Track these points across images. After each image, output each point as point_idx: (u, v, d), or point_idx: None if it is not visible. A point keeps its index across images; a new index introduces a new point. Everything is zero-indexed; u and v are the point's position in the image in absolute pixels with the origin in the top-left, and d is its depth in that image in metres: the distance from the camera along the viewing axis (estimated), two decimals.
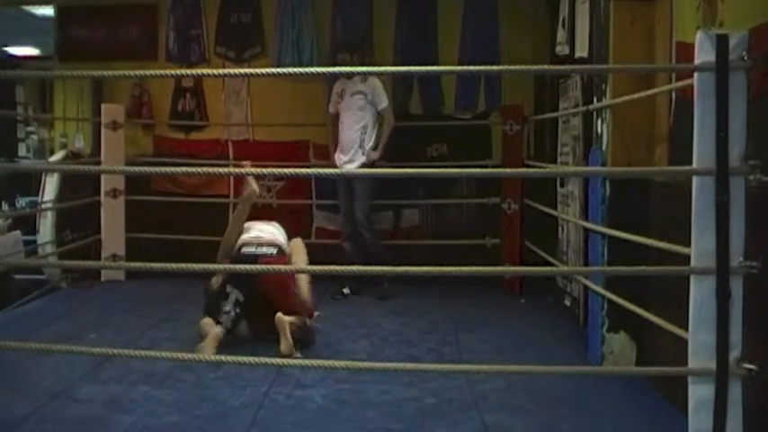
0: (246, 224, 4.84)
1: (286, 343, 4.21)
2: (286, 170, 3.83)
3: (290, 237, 5.04)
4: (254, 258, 4.52)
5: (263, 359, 3.87)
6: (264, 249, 4.63)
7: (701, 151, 2.48)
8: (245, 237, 4.70)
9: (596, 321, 4.15)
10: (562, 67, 5.41)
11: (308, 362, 3.95)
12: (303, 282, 4.69)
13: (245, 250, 4.60)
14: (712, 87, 2.45)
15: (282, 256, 4.69)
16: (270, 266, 4.40)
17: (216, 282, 4.77)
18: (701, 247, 2.50)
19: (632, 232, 3.65)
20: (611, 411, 3.46)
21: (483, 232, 6.50)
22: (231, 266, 4.54)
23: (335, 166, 5.83)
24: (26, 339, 4.18)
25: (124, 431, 3.20)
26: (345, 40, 6.37)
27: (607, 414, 3.43)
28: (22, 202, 9.48)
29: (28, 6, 8.30)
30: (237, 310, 4.44)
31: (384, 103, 5.81)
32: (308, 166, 6.60)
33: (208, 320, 4.44)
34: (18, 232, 7.42)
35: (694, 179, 2.52)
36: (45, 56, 10.29)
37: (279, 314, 4.32)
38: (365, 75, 5.83)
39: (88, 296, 5.95)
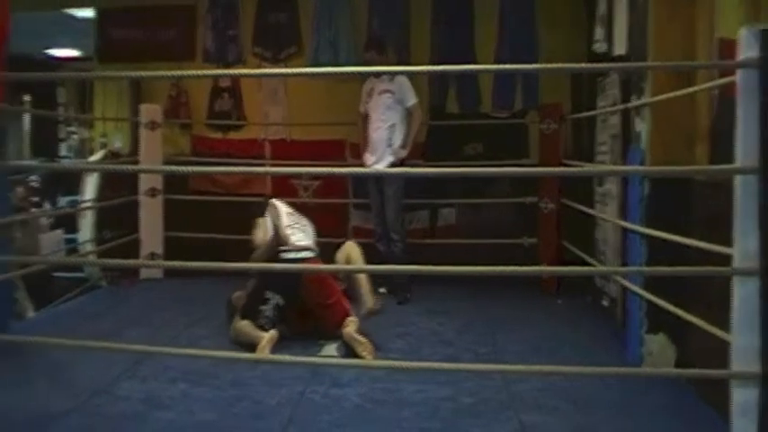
0: (285, 212, 4.88)
1: (365, 346, 4.24)
2: (321, 169, 3.83)
3: (326, 236, 5.06)
4: (295, 263, 4.58)
5: (299, 358, 3.90)
6: (304, 254, 4.67)
7: (744, 149, 2.44)
8: (286, 237, 4.71)
9: (635, 322, 4.09)
10: (600, 65, 5.36)
11: (344, 361, 3.96)
12: (364, 280, 4.72)
13: (285, 255, 4.63)
14: (756, 84, 2.41)
15: (319, 259, 4.74)
16: (310, 267, 4.46)
17: (238, 298, 4.83)
18: (743, 248, 2.45)
19: (672, 232, 3.59)
20: (650, 414, 3.41)
21: (520, 232, 6.45)
22: (270, 265, 4.61)
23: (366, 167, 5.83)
24: (67, 336, 4.25)
25: (162, 428, 3.24)
26: (373, 38, 6.34)
27: (646, 417, 3.39)
28: (63, 201, 9.63)
29: (69, 9, 8.43)
30: (276, 314, 4.49)
31: (412, 100, 5.76)
32: (344, 166, 6.62)
33: (246, 323, 4.48)
34: (60, 231, 7.55)
35: (737, 178, 2.47)
36: (85, 57, 10.45)
37: (345, 329, 4.38)
38: (393, 73, 5.78)
39: (127, 294, 6.03)
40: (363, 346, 4.24)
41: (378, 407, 3.50)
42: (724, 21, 3.53)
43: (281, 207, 4.95)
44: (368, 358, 4.18)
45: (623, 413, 3.42)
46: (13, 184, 6.33)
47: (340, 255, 4.89)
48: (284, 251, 4.65)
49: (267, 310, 4.49)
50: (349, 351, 4.30)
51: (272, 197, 5.20)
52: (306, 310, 4.59)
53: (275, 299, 4.50)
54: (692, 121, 3.96)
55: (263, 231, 4.85)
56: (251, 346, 4.26)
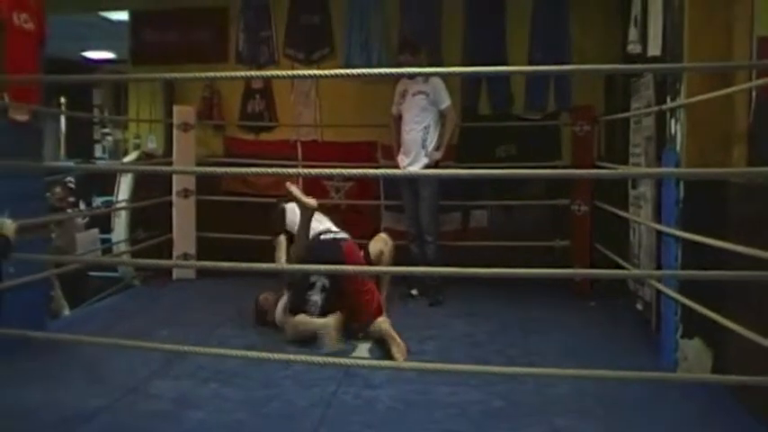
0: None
1: (400, 348, 4.27)
2: (354, 171, 3.85)
3: (357, 237, 5.08)
4: (334, 242, 4.68)
5: (331, 359, 3.90)
6: (342, 234, 4.78)
7: None
8: (316, 227, 4.81)
9: (670, 327, 4.04)
10: (634, 66, 5.29)
11: (376, 363, 3.95)
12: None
13: (324, 237, 4.71)
14: None
15: (354, 242, 4.84)
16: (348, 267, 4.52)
17: (265, 299, 4.93)
18: None
19: (708, 235, 3.54)
20: (685, 420, 3.36)
21: (552, 234, 6.41)
22: (299, 267, 4.68)
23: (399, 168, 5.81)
24: (101, 335, 4.31)
25: (193, 427, 3.26)
26: (407, 40, 6.34)
27: (680, 423, 3.34)
28: (97, 201, 9.75)
29: (104, 12, 8.54)
30: (324, 296, 4.54)
31: (446, 102, 5.73)
32: (376, 167, 6.61)
33: (302, 316, 4.53)
34: (96, 230, 7.65)
35: None
36: (120, 59, 10.58)
37: (383, 325, 4.43)
38: (427, 75, 5.76)
39: (160, 294, 6.08)
40: (398, 347, 4.25)
41: (409, 409, 3.49)
42: (764, 19, 3.47)
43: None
44: (400, 359, 4.18)
45: (657, 419, 3.37)
46: (50, 184, 6.41)
47: (373, 248, 4.99)
48: (322, 233, 4.72)
49: (314, 293, 4.55)
50: (382, 353, 4.31)
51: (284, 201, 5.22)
52: (344, 294, 4.60)
53: (321, 281, 4.55)
54: (729, 123, 3.90)
55: (283, 252, 4.93)
56: (312, 338, 4.36)
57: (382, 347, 4.35)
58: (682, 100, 4.00)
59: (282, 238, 5.03)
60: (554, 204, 6.43)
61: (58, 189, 7.03)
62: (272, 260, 5.01)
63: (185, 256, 6.44)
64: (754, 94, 3.55)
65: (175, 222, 6.57)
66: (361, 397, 3.63)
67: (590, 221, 6.10)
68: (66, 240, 6.94)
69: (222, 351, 3.96)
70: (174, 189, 6.51)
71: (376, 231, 5.43)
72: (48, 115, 8.15)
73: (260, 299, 4.99)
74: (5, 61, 4.23)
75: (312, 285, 4.55)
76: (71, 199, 7.90)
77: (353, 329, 4.59)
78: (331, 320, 4.37)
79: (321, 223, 4.93)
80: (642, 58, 5.06)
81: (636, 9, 5.24)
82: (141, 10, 7.50)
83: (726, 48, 3.91)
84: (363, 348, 4.44)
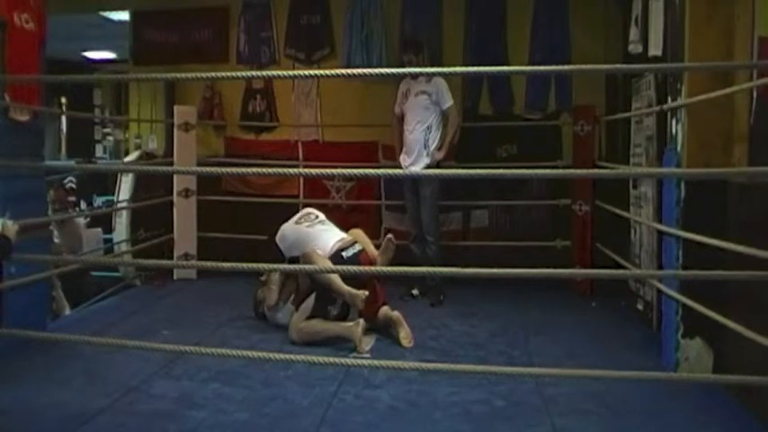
0: (313, 230, 4.97)
1: (407, 335, 4.55)
2: (355, 171, 3.84)
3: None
4: (356, 258, 4.71)
5: (332, 359, 3.90)
6: (357, 247, 4.80)
7: None
8: (328, 240, 4.81)
9: (671, 326, 4.03)
10: (635, 66, 5.28)
11: (377, 362, 3.95)
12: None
13: (345, 254, 4.72)
14: None
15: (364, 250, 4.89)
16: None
17: (263, 293, 4.99)
18: None
19: (709, 235, 3.53)
20: (686, 420, 3.36)
21: (553, 234, 6.42)
22: (291, 266, 4.79)
23: (401, 168, 5.80)
24: (102, 335, 4.31)
25: (195, 426, 3.26)
26: (411, 40, 6.33)
27: (681, 423, 3.34)
28: (98, 201, 9.75)
29: (105, 12, 8.54)
30: (344, 311, 4.63)
31: (449, 102, 5.72)
32: (377, 167, 6.60)
33: (316, 321, 4.57)
34: (99, 230, 7.67)
35: None
36: (121, 59, 10.58)
37: (395, 313, 4.65)
38: (430, 75, 5.76)
39: (161, 294, 6.08)
40: (406, 332, 4.51)
41: (410, 408, 3.49)
42: (764, 19, 3.46)
43: (300, 226, 5.05)
44: (406, 344, 4.45)
45: (658, 419, 3.37)
46: (48, 184, 6.40)
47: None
48: (342, 250, 4.74)
49: (334, 309, 4.61)
50: (387, 340, 4.39)
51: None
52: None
53: (341, 298, 4.58)
54: (730, 123, 3.90)
55: (275, 292, 4.98)
56: (328, 340, 4.45)
57: (388, 335, 4.47)
58: (682, 100, 4.00)
59: (276, 277, 5.02)
60: (555, 204, 6.44)
61: (51, 191, 7.02)
62: (273, 260, 4.99)
63: (186, 256, 6.44)
64: (754, 93, 3.54)
65: (176, 222, 6.57)
66: (362, 397, 3.64)
67: (591, 221, 6.10)
68: (71, 239, 6.94)
69: (223, 351, 3.95)
70: (175, 189, 6.50)
71: (377, 231, 5.40)
72: (48, 116, 8.14)
73: (258, 293, 5.08)
74: (6, 61, 4.23)
75: (334, 301, 4.60)
76: (71, 198, 7.90)
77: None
78: (360, 325, 4.41)
79: (330, 232, 4.92)
80: (643, 57, 5.05)
81: (637, 9, 5.24)
82: (142, 10, 7.51)
83: (726, 48, 3.91)
84: (367, 340, 4.50)
